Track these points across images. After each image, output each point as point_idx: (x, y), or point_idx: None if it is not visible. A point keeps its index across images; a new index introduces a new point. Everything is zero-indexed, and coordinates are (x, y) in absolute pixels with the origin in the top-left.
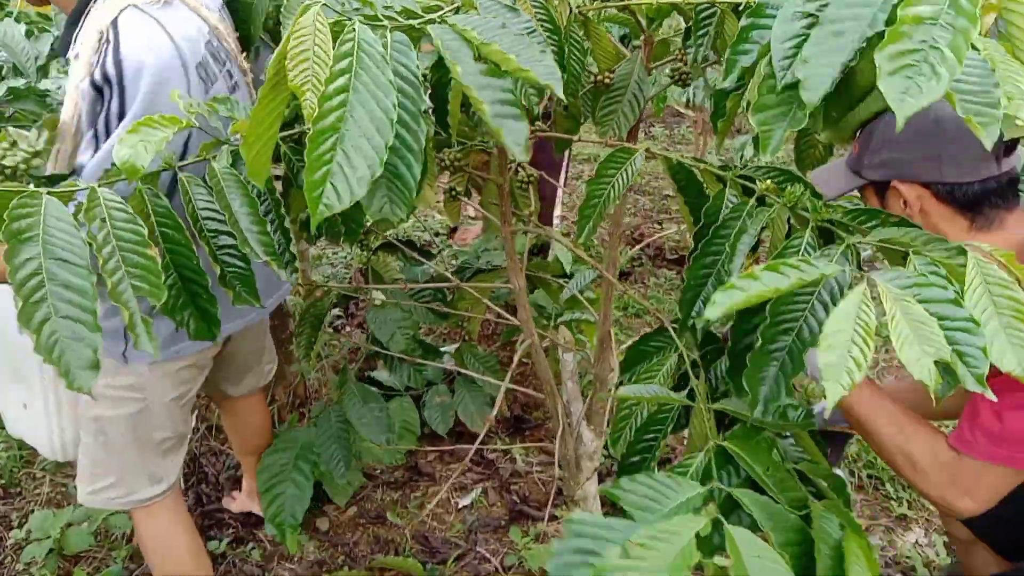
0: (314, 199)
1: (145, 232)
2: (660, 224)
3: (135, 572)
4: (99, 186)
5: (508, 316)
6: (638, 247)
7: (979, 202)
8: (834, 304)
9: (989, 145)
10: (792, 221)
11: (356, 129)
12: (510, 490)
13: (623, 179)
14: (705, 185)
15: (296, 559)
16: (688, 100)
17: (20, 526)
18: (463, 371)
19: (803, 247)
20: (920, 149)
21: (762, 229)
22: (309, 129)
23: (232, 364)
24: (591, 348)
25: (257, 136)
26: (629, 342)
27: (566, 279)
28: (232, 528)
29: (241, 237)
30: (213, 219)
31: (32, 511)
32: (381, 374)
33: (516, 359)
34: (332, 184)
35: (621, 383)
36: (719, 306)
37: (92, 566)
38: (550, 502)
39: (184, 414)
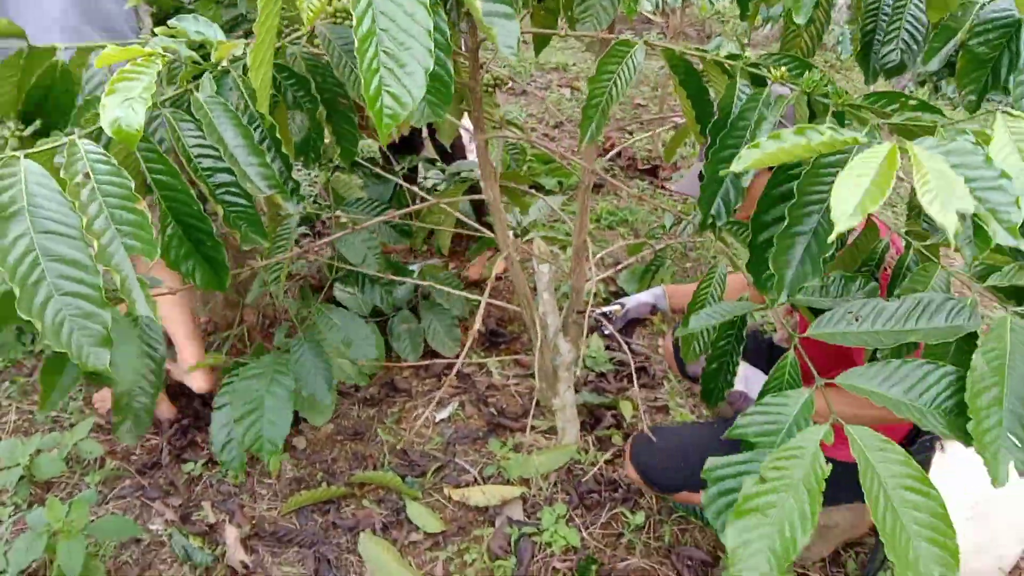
0: (377, 112)
1: (132, 184)
2: (631, 133)
3: (108, 496)
4: (79, 137)
5: (482, 229)
6: (609, 155)
7: None
8: None
9: None
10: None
11: (392, 25)
12: (487, 403)
13: (625, 74)
14: (706, 78)
15: (274, 477)
16: (657, 5)
17: None
18: (435, 286)
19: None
20: None
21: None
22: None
23: None
24: (565, 259)
25: (260, 58)
26: (601, 253)
27: (537, 191)
28: (205, 450)
29: (240, 172)
30: (207, 156)
31: (0, 440)
32: (344, 296)
33: (493, 274)
34: (388, 91)
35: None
36: (744, 160)
37: (65, 491)
38: (532, 412)
39: None
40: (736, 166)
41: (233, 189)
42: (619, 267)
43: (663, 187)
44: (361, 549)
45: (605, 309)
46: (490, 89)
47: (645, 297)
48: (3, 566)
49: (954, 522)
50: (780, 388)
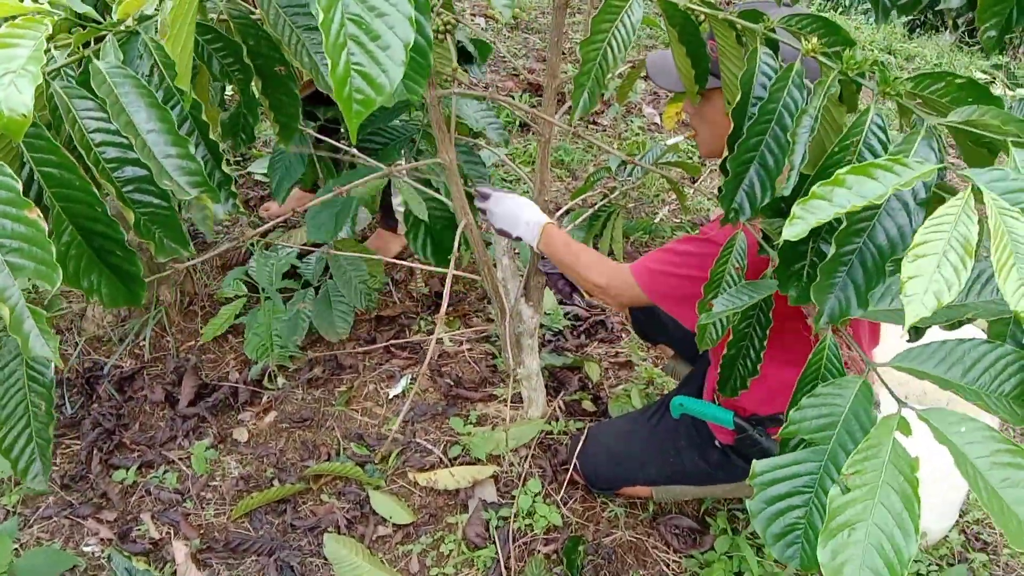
0: (346, 99)
1: (18, 186)
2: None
3: (31, 519)
4: None
5: (438, 195)
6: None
7: None
8: (917, 204)
9: None
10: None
11: None
12: (442, 373)
13: (621, 33)
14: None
15: (218, 478)
16: None
17: None
18: (343, 253)
19: (867, 128)
20: None
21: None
22: None
23: None
24: None
25: (181, 17)
26: (562, 211)
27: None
28: (136, 451)
29: (156, 167)
30: (111, 144)
31: None
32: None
33: (456, 244)
34: (358, 71)
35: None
36: (802, 223)
37: None
38: (510, 384)
39: None
40: (790, 232)
41: (146, 186)
42: (575, 219)
43: (595, 122)
44: (327, 552)
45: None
46: (441, 37)
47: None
48: None
49: None
50: (817, 375)
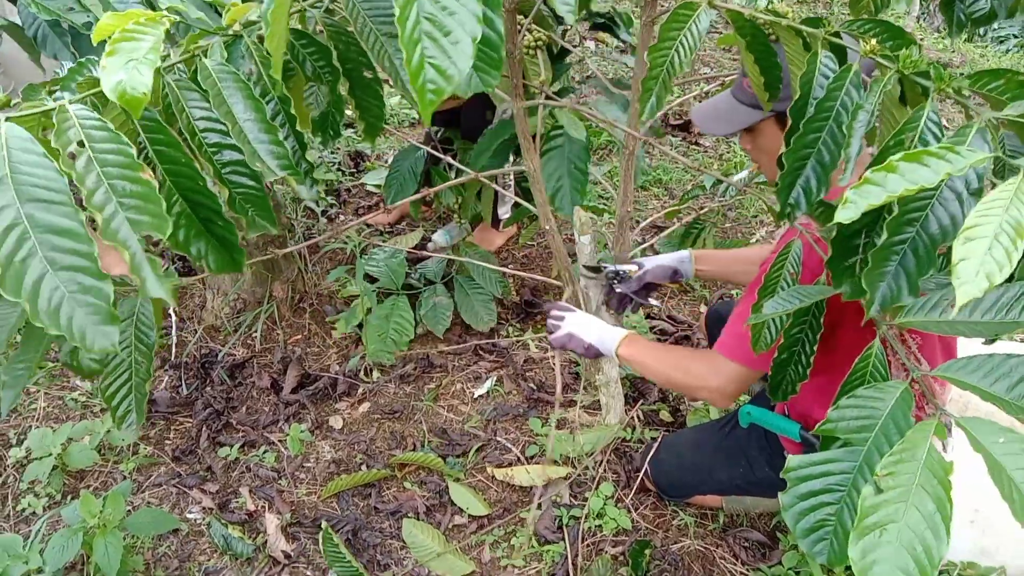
0: (420, 88)
1: (133, 152)
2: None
3: (144, 484)
4: (70, 102)
5: (520, 200)
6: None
7: None
8: (969, 193)
9: None
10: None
11: None
12: (525, 377)
13: (688, 41)
14: (780, 41)
15: (312, 460)
16: None
17: (19, 443)
18: (472, 261)
19: (923, 124)
20: None
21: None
22: None
23: None
24: (601, 224)
25: (278, 17)
26: (646, 222)
27: None
28: (240, 431)
29: (250, 150)
30: (213, 130)
31: (30, 428)
32: (374, 269)
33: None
34: (431, 64)
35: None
36: (854, 207)
37: (99, 480)
38: (581, 387)
39: None
40: (844, 215)
41: (241, 169)
42: (663, 234)
43: (697, 144)
44: (406, 535)
45: (619, 267)
46: (531, 52)
47: (667, 260)
48: (39, 564)
49: (955, 525)
50: (863, 380)
